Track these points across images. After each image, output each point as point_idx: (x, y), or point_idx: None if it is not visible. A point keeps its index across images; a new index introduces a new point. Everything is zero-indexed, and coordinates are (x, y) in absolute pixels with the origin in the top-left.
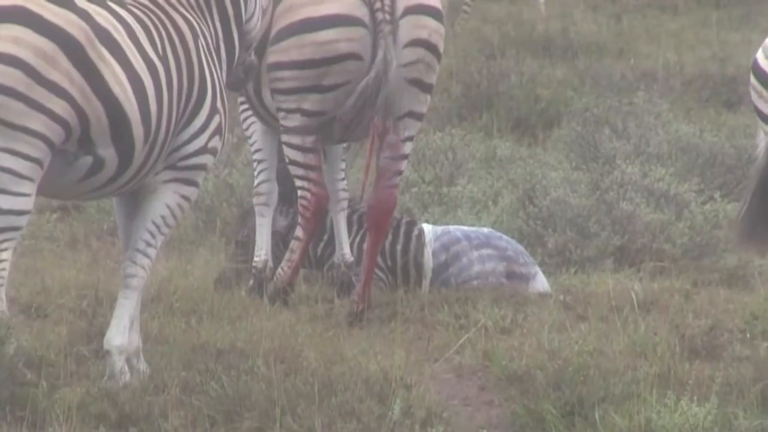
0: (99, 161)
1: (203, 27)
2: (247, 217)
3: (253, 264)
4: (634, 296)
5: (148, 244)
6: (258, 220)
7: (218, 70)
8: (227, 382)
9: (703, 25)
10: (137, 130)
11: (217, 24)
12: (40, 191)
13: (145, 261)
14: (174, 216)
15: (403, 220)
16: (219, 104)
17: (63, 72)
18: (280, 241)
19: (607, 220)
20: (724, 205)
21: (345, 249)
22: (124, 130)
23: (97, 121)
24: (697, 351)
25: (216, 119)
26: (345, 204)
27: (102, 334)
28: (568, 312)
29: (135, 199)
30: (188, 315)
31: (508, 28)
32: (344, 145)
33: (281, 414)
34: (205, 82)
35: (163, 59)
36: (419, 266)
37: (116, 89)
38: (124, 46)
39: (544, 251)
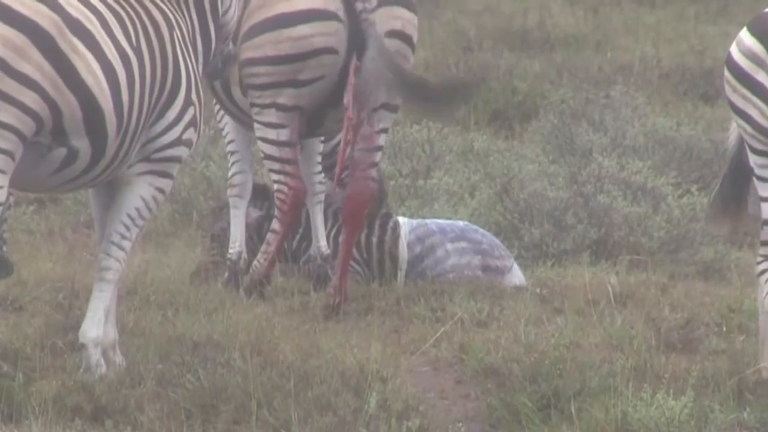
0: (72, 153)
1: (179, 18)
2: (222, 210)
3: (228, 256)
4: (610, 289)
5: (123, 237)
6: (232, 212)
7: (194, 62)
8: (203, 374)
9: (680, 18)
10: (110, 120)
11: (194, 16)
12: (14, 184)
13: (120, 254)
14: (149, 208)
15: (379, 213)
16: (194, 96)
17: (33, 64)
18: (254, 233)
19: (584, 213)
20: (701, 198)
21: (321, 242)
22: (97, 121)
23: (70, 113)
24: (673, 344)
25: (190, 111)
26: (322, 197)
27: (78, 326)
28: (544, 305)
29: (111, 191)
30: (164, 307)
31: (484, 20)
32: (321, 138)
33: (257, 407)
34: (180, 73)
35: (137, 50)
36: (394, 258)
37: (89, 80)
38: (97, 36)
39: (521, 244)
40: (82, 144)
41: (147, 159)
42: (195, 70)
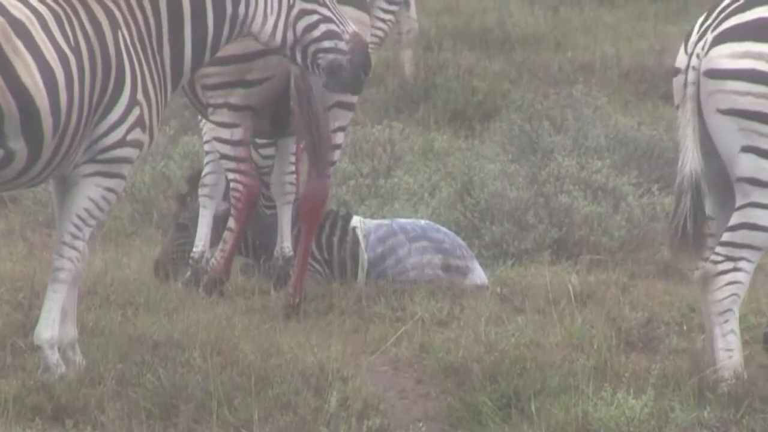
0: (9, 154)
1: (130, 19)
2: (187, 198)
3: (191, 255)
4: (571, 289)
5: (75, 237)
6: (201, 211)
7: (145, 63)
8: (164, 374)
9: (640, 18)
10: (47, 122)
11: (163, 20)
12: None
13: (73, 253)
14: (99, 208)
15: (340, 213)
16: (140, 96)
17: None
18: (220, 225)
19: (545, 212)
20: (662, 198)
21: (285, 243)
22: (34, 123)
23: (10, 114)
24: (633, 343)
25: (135, 111)
26: (291, 197)
27: None
28: (504, 304)
29: None
30: (124, 307)
31: (444, 20)
32: (294, 138)
33: (218, 406)
34: (123, 73)
35: (75, 50)
36: (355, 258)
37: (27, 81)
38: (36, 37)
39: (482, 243)
40: (18, 145)
41: (93, 160)
42: (146, 70)
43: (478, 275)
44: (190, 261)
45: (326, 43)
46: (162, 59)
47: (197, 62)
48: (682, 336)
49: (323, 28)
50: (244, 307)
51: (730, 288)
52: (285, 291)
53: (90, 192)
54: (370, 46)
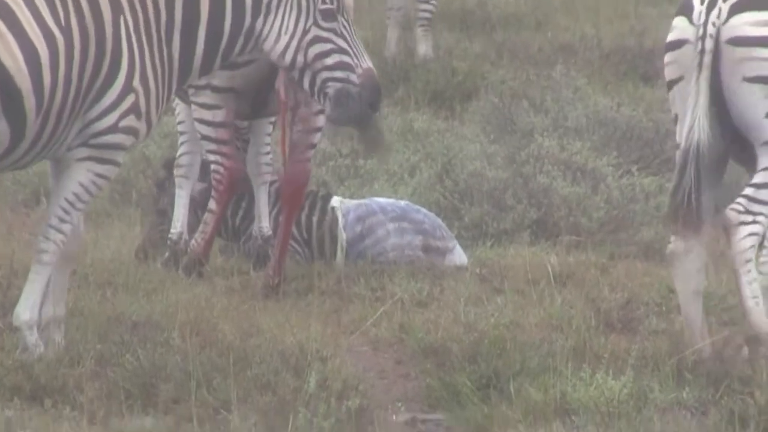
0: None
1: (138, 6)
2: (164, 184)
3: (169, 236)
4: (550, 269)
5: (62, 220)
6: (177, 192)
7: (149, 52)
8: (143, 354)
9: None
10: (29, 100)
11: (177, 13)
12: None
13: (59, 236)
14: (88, 192)
15: (319, 194)
16: (137, 83)
17: None
18: (198, 206)
19: (524, 193)
20: (641, 178)
21: (264, 222)
22: (14, 102)
23: None
24: (612, 324)
25: (130, 98)
26: (268, 178)
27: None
28: (484, 285)
29: None
30: (103, 287)
31: None
32: (271, 119)
33: (197, 386)
34: (120, 58)
35: (65, 29)
36: (334, 237)
37: (8, 61)
38: (20, 16)
39: (461, 224)
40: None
41: (86, 144)
42: (148, 59)
43: (458, 256)
44: (168, 242)
45: (338, 73)
46: (170, 51)
47: (207, 64)
48: (661, 317)
49: (336, 57)
50: (224, 287)
51: (751, 239)
52: (264, 272)
53: (80, 176)
54: (421, 28)
